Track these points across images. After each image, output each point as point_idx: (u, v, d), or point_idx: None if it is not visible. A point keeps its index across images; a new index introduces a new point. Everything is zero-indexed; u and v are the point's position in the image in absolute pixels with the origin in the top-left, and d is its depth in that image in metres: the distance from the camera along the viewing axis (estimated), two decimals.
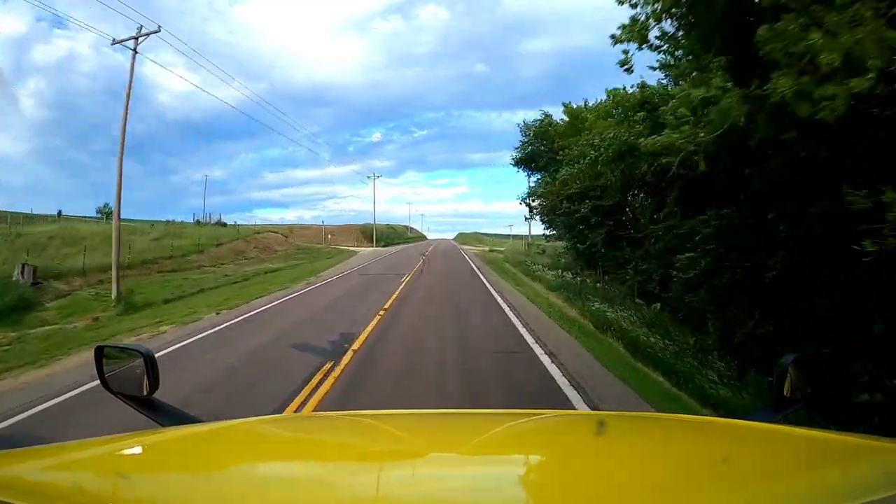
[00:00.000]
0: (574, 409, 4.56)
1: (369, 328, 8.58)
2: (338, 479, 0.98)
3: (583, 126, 13.77)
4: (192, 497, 0.85)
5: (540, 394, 5.26)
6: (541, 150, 21.93)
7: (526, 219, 27.60)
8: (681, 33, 4.92)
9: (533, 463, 1.10)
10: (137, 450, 1.12)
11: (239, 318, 10.06)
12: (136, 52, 13.24)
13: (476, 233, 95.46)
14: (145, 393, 1.28)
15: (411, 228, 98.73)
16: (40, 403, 5.08)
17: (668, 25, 4.77)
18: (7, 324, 11.06)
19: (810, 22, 3.14)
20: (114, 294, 12.86)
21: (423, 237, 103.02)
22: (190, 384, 5.44)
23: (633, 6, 4.64)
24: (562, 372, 5.97)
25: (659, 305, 9.19)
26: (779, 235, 5.47)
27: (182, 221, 42.40)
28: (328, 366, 6.12)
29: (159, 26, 13.87)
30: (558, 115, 19.65)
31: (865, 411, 4.02)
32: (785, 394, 1.28)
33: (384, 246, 52.30)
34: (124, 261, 16.02)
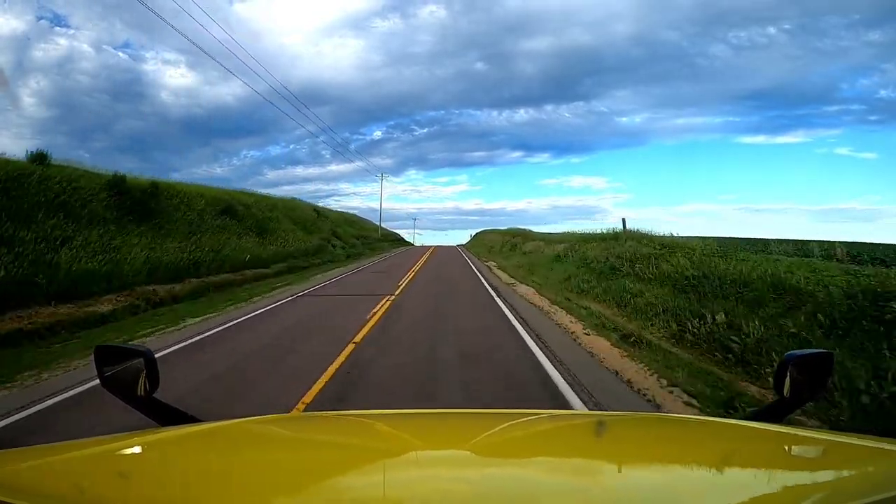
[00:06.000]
0: None
1: None
2: (339, 481, 0.98)
3: None
4: (192, 497, 0.84)
5: None
6: None
7: None
8: None
9: (532, 464, 1.09)
10: (137, 450, 1.11)
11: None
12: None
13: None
14: (144, 393, 1.27)
15: (379, 226, 49.43)
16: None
17: None
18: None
19: None
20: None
21: (405, 243, 59.87)
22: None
23: None
24: None
25: None
26: None
27: None
28: None
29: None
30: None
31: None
32: (785, 394, 1.26)
33: None
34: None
